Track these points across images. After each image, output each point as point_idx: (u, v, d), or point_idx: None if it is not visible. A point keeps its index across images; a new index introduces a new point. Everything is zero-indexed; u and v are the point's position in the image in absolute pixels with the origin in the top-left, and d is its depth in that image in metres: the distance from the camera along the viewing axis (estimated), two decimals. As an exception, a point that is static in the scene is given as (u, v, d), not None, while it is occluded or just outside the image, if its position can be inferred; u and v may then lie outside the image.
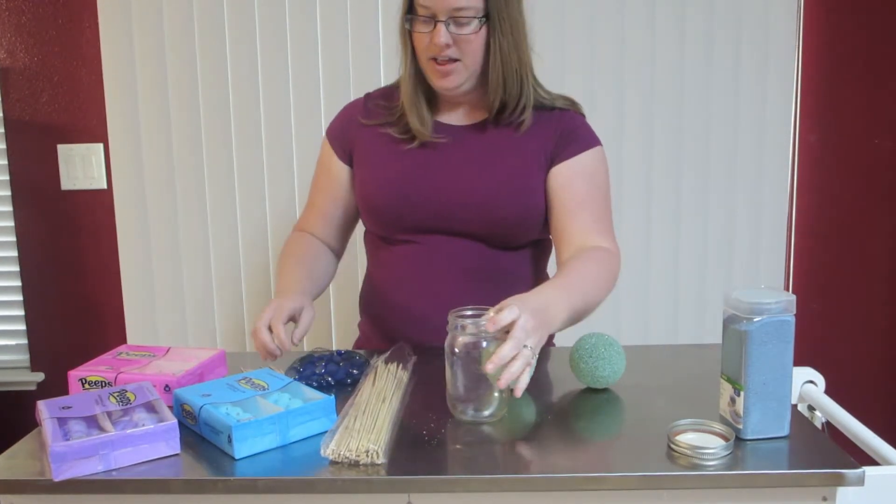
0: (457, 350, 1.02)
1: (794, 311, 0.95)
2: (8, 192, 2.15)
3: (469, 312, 1.05)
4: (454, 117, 1.39)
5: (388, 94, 1.43)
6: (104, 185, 2.13)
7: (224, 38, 2.03)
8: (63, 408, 1.01)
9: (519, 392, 1.01)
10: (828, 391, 1.24)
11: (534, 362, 1.04)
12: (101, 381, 1.13)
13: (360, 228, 1.53)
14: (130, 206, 2.10)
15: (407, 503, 0.91)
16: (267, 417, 0.97)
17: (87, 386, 1.13)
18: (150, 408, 1.01)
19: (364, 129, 1.42)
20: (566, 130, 1.36)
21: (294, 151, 2.07)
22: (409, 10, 1.30)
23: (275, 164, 2.08)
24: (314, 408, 1.01)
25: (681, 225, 2.10)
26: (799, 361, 1.05)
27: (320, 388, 1.17)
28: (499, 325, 1.00)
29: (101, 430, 0.94)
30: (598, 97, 2.04)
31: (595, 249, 1.30)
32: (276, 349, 1.19)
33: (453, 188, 1.33)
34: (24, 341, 2.22)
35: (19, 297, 2.20)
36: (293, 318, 1.24)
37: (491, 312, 1.03)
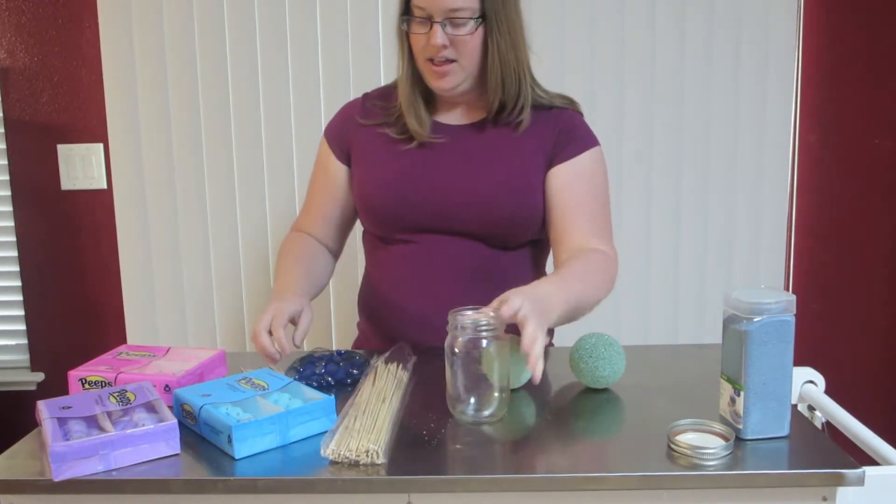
0: (457, 350, 1.02)
1: (794, 311, 0.95)
2: (8, 192, 2.15)
3: (469, 312, 1.05)
4: (452, 117, 1.39)
5: (386, 94, 1.43)
6: (104, 185, 2.13)
7: (224, 38, 2.03)
8: (63, 408, 1.01)
9: (537, 379, 1.00)
10: (828, 391, 1.24)
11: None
12: (101, 381, 1.13)
13: (358, 228, 1.53)
14: (130, 206, 2.10)
15: (407, 503, 0.91)
16: (267, 417, 0.97)
17: (87, 386, 1.13)
18: (150, 408, 1.01)
19: (362, 129, 1.42)
20: (565, 130, 1.36)
21: (294, 151, 2.07)
22: (406, 10, 1.30)
23: (275, 164, 2.08)
24: (314, 408, 1.01)
25: (681, 225, 2.10)
26: (799, 361, 1.05)
27: (320, 388, 1.17)
28: (505, 316, 1.00)
29: (101, 430, 0.94)
30: (598, 97, 2.04)
31: (592, 252, 1.30)
32: (276, 353, 1.19)
33: (451, 188, 1.33)
34: (24, 341, 2.22)
35: (19, 297, 2.20)
36: (292, 320, 1.24)
37: (491, 311, 1.03)
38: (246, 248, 2.12)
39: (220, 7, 2.02)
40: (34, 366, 2.22)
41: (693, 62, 2.03)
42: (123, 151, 2.08)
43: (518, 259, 1.39)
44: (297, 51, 2.03)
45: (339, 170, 1.45)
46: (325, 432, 0.98)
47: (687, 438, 0.95)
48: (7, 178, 2.14)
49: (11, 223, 2.16)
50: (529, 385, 1.17)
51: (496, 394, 1.03)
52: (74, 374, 1.14)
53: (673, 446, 0.94)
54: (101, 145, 2.11)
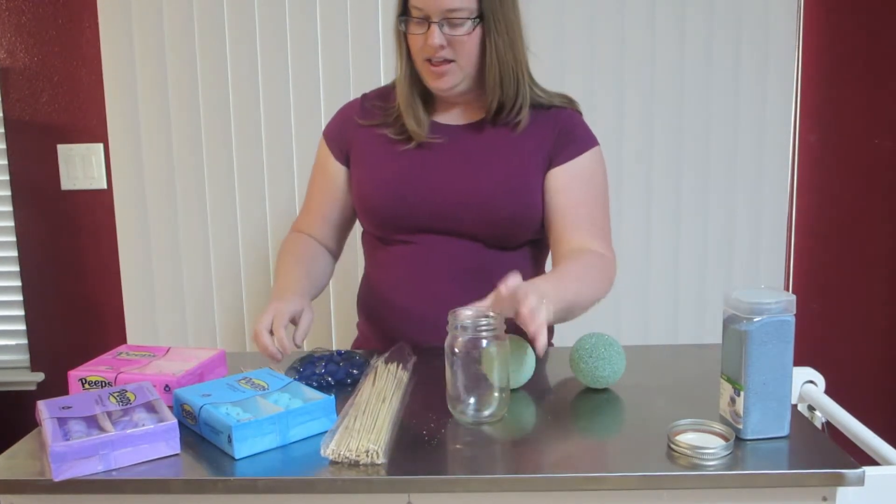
0: (457, 350, 1.02)
1: (794, 311, 0.95)
2: (8, 192, 2.15)
3: (469, 312, 1.05)
4: (451, 117, 1.39)
5: (384, 95, 1.43)
6: (104, 185, 2.13)
7: (224, 38, 2.03)
8: (63, 408, 1.01)
9: (541, 349, 1.00)
10: (828, 391, 1.24)
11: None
12: (101, 381, 1.12)
13: (358, 228, 1.53)
14: (130, 206, 2.10)
15: (407, 503, 0.91)
16: (267, 417, 0.97)
17: (87, 386, 1.13)
18: (150, 408, 1.01)
19: (361, 130, 1.42)
20: (564, 131, 1.36)
21: (294, 151, 2.07)
22: (404, 11, 1.30)
23: (275, 164, 2.08)
24: (314, 408, 1.01)
25: (681, 225, 2.10)
26: (799, 361, 1.05)
27: (320, 388, 1.17)
28: (504, 293, 1.01)
29: (101, 430, 0.94)
30: (598, 97, 2.04)
31: (590, 253, 1.30)
32: (277, 352, 1.19)
33: (450, 188, 1.33)
34: (24, 341, 2.22)
35: (19, 297, 2.20)
36: (293, 320, 1.24)
37: (490, 301, 1.04)
38: (246, 248, 2.12)
39: (220, 7, 2.02)
40: (34, 366, 2.22)
41: (693, 62, 2.03)
42: (123, 151, 2.08)
43: (517, 259, 1.39)
44: (297, 51, 2.03)
45: (338, 171, 1.45)
46: (325, 432, 0.98)
47: (687, 438, 0.95)
48: (7, 178, 2.14)
49: (11, 223, 2.16)
50: (529, 385, 1.17)
51: (496, 394, 1.03)
52: (74, 374, 1.14)
53: (673, 446, 0.94)
54: (101, 145, 2.11)
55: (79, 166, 2.12)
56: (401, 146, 1.37)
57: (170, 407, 1.07)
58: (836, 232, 2.13)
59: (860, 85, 2.07)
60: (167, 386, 1.11)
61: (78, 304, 2.19)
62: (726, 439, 0.94)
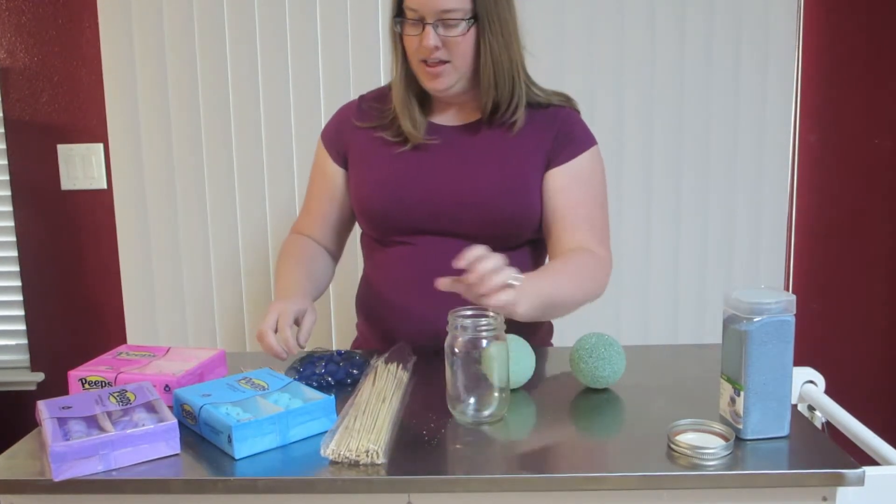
0: (457, 350, 1.02)
1: (794, 311, 0.95)
2: (8, 192, 2.15)
3: (469, 312, 1.05)
4: (448, 118, 1.39)
5: (381, 96, 1.43)
6: (104, 185, 2.13)
7: (224, 38, 2.03)
8: (63, 408, 1.01)
9: (495, 306, 1.01)
10: (828, 391, 1.24)
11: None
12: (101, 381, 1.13)
13: (357, 229, 1.53)
14: (130, 206, 2.10)
15: (407, 503, 0.91)
16: (267, 417, 0.97)
17: (87, 386, 1.13)
18: (150, 408, 1.01)
19: (358, 132, 1.42)
20: (563, 131, 1.36)
21: (294, 151, 2.07)
22: (399, 12, 1.30)
23: (275, 164, 2.08)
24: (314, 408, 1.01)
25: (681, 225, 2.10)
26: (799, 361, 1.05)
27: (320, 388, 1.17)
28: (466, 260, 1.02)
29: (101, 430, 0.94)
30: (598, 97, 2.04)
31: (582, 251, 1.30)
32: (282, 352, 1.19)
33: (447, 189, 1.33)
34: (24, 341, 2.22)
35: (19, 297, 2.20)
36: (295, 321, 1.24)
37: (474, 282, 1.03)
38: (246, 248, 2.12)
39: (220, 7, 2.02)
40: (34, 366, 2.22)
41: (693, 62, 2.03)
42: (123, 151, 2.08)
43: (516, 259, 1.38)
44: (297, 51, 2.03)
45: (336, 173, 1.45)
46: (325, 432, 0.98)
47: (687, 438, 0.95)
48: (7, 178, 2.14)
49: (11, 223, 2.16)
50: (529, 385, 1.17)
51: (496, 394, 1.03)
52: (74, 374, 1.14)
53: (673, 446, 0.94)
54: (101, 145, 2.11)
55: (79, 166, 2.12)
56: (397, 148, 1.37)
57: (170, 407, 1.07)
58: (836, 232, 2.13)
59: (860, 85, 2.07)
60: (167, 386, 1.11)
61: (78, 304, 2.19)
62: (726, 439, 0.94)
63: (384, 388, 1.12)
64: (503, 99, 1.33)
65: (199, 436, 1.02)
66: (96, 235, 2.15)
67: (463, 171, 1.34)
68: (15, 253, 2.18)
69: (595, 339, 1.15)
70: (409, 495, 0.91)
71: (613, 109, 2.04)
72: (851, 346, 2.17)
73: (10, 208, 2.16)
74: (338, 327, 2.12)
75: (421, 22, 1.26)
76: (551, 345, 1.51)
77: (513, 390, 1.13)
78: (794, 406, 1.08)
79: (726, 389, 0.99)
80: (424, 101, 1.39)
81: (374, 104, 1.43)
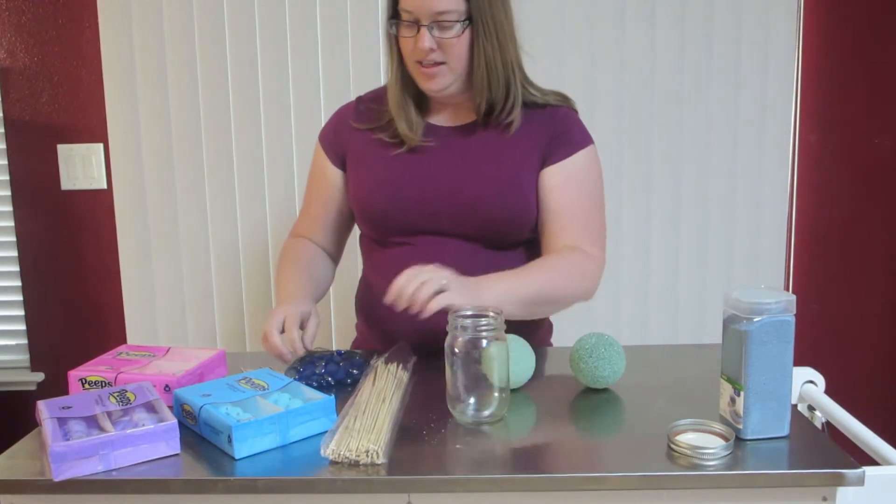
0: (457, 350, 1.02)
1: (794, 311, 0.95)
2: (8, 192, 2.15)
3: (469, 313, 1.05)
4: (445, 119, 1.39)
5: (379, 98, 1.43)
6: (104, 185, 2.13)
7: (224, 38, 2.03)
8: (63, 408, 1.01)
9: (423, 311, 1.10)
10: (828, 391, 1.24)
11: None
12: (101, 381, 1.13)
13: (357, 230, 1.53)
14: (130, 206, 2.10)
15: (407, 503, 0.91)
16: (267, 417, 0.97)
17: (87, 386, 1.13)
18: (150, 408, 1.01)
19: (356, 133, 1.42)
20: (559, 130, 1.36)
21: (294, 151, 2.07)
22: (394, 14, 1.30)
23: (275, 164, 2.08)
24: (314, 408, 1.01)
25: (681, 225, 2.09)
26: (799, 361, 1.05)
27: (320, 388, 1.17)
28: (394, 294, 1.12)
29: (101, 430, 0.94)
30: (598, 97, 2.04)
31: (571, 250, 1.31)
32: (286, 353, 1.20)
33: (444, 190, 1.33)
34: (24, 341, 2.22)
35: (19, 297, 2.20)
36: (300, 324, 1.25)
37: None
38: (246, 249, 2.12)
39: (220, 7, 2.02)
40: (34, 366, 2.22)
41: (693, 62, 2.03)
42: (123, 151, 2.08)
43: (514, 258, 1.39)
44: (297, 51, 2.03)
45: (334, 174, 1.45)
46: (325, 432, 0.98)
47: (687, 438, 0.95)
48: (7, 178, 2.14)
49: (11, 223, 2.16)
50: (529, 385, 1.17)
51: (496, 394, 1.03)
52: (74, 374, 1.14)
53: (673, 446, 0.94)
54: (101, 145, 2.11)
55: (79, 166, 2.12)
56: (395, 149, 1.37)
57: (170, 407, 1.07)
58: (836, 232, 2.13)
59: (860, 85, 2.07)
60: (167, 386, 1.11)
61: (78, 304, 2.19)
62: (726, 439, 0.94)
63: (384, 388, 1.12)
64: (498, 100, 1.33)
65: (199, 436, 1.02)
66: (96, 235, 2.15)
67: (459, 172, 1.34)
68: (15, 253, 2.18)
69: (595, 339, 1.15)
70: (409, 495, 0.91)
71: (613, 109, 2.04)
72: (851, 346, 2.17)
73: (10, 208, 2.16)
74: (338, 327, 2.12)
75: (416, 24, 1.26)
76: (551, 345, 1.51)
77: (513, 390, 1.13)
78: (794, 406, 1.08)
79: (726, 389, 0.99)
80: (422, 101, 1.39)
81: (371, 105, 1.43)
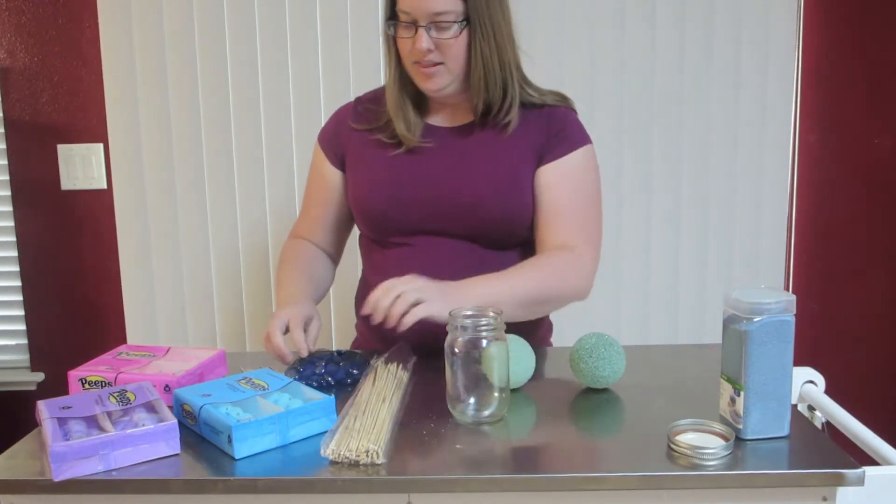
0: (457, 350, 1.02)
1: (794, 311, 0.95)
2: (8, 192, 2.15)
3: (469, 312, 1.05)
4: (443, 119, 1.39)
5: (377, 98, 1.44)
6: (104, 185, 2.13)
7: (224, 38, 2.03)
8: (63, 408, 1.01)
9: (398, 326, 1.12)
10: (828, 391, 1.24)
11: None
12: (101, 381, 1.13)
13: (356, 231, 1.53)
14: (130, 206, 2.10)
15: (407, 503, 0.91)
16: (267, 417, 0.97)
17: (87, 386, 1.13)
18: (150, 408, 1.01)
19: (355, 133, 1.42)
20: (556, 129, 1.35)
21: (294, 151, 2.07)
22: (392, 15, 1.30)
23: (275, 164, 2.08)
24: (314, 408, 1.01)
25: (681, 225, 2.10)
26: (799, 361, 1.05)
27: (320, 388, 1.17)
28: (370, 307, 1.13)
29: (101, 430, 0.94)
30: (598, 97, 2.04)
31: (561, 248, 1.31)
32: (289, 354, 1.20)
33: (441, 191, 1.33)
34: (24, 341, 2.22)
35: (19, 297, 2.20)
36: (303, 326, 1.25)
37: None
38: (246, 249, 2.12)
39: (220, 7, 2.02)
40: (34, 366, 2.22)
41: (693, 62, 2.03)
42: (123, 151, 2.08)
43: (513, 258, 1.39)
44: (297, 51, 2.03)
45: (333, 175, 1.45)
46: (325, 432, 0.98)
47: (687, 438, 0.95)
48: (7, 178, 2.14)
49: (11, 223, 2.16)
50: (529, 385, 1.17)
51: (496, 394, 1.03)
52: (74, 374, 1.14)
53: (673, 446, 0.94)
54: (101, 145, 2.11)
55: (79, 166, 2.12)
56: (393, 150, 1.37)
57: (170, 407, 1.07)
58: (836, 232, 2.13)
59: (860, 85, 2.07)
60: (167, 386, 1.11)
61: (78, 304, 2.19)
62: (726, 439, 0.94)
63: (384, 388, 1.12)
64: (495, 100, 1.33)
65: (199, 436, 1.02)
66: (96, 235, 2.15)
67: (457, 173, 1.34)
68: (15, 253, 2.18)
69: (595, 339, 1.15)
70: (409, 495, 0.91)
71: (613, 109, 2.04)
72: (851, 346, 2.17)
73: (10, 208, 2.16)
74: (338, 327, 2.12)
75: (414, 24, 1.27)
76: (551, 345, 1.51)
77: (513, 390, 1.13)
78: (794, 406, 1.08)
79: (726, 389, 0.99)
80: (420, 102, 1.39)
81: (370, 106, 1.43)
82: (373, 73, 2.03)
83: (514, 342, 1.14)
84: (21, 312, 2.20)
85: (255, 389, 1.06)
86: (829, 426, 1.17)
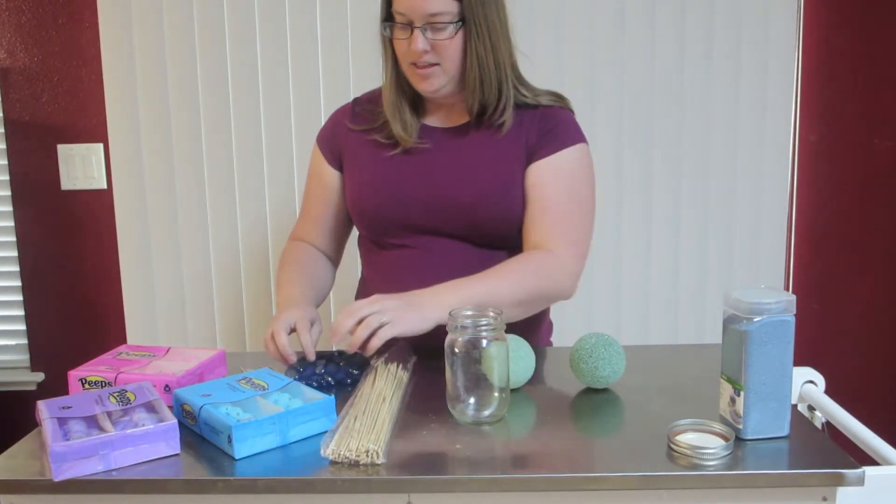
0: (457, 350, 1.02)
1: (794, 311, 0.95)
2: (8, 192, 2.15)
3: (469, 312, 1.05)
4: (438, 120, 1.40)
5: (375, 99, 1.44)
6: (104, 185, 2.13)
7: (224, 38, 2.03)
8: (63, 408, 1.01)
9: (367, 351, 1.14)
10: (828, 391, 1.24)
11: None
12: (101, 381, 1.13)
13: (356, 232, 1.53)
14: (130, 206, 2.10)
15: (407, 503, 0.91)
16: (267, 417, 0.97)
17: (87, 386, 1.13)
18: (150, 408, 1.01)
19: (352, 134, 1.42)
20: (548, 127, 1.35)
21: (294, 151, 2.07)
22: (388, 17, 1.30)
23: (275, 164, 2.08)
24: (314, 408, 1.01)
25: (681, 225, 2.10)
26: (799, 361, 1.05)
27: (320, 388, 1.17)
28: (341, 333, 1.14)
29: (101, 430, 0.94)
30: (598, 97, 2.04)
31: (538, 249, 1.30)
32: (291, 355, 1.20)
33: (438, 191, 1.33)
34: (24, 341, 2.22)
35: (19, 297, 2.20)
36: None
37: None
38: (246, 249, 2.12)
39: (220, 7, 2.02)
40: (34, 366, 2.22)
41: (693, 62, 2.03)
42: (123, 151, 2.08)
43: (498, 261, 1.38)
44: (297, 51, 2.03)
45: (332, 176, 1.45)
46: (325, 432, 0.98)
47: (687, 438, 0.95)
48: (7, 178, 2.14)
49: (11, 223, 2.16)
50: (529, 385, 1.17)
51: (496, 394, 1.03)
52: (74, 374, 1.14)
53: (673, 446, 0.94)
54: (101, 145, 2.11)
55: (79, 166, 2.12)
56: (390, 150, 1.37)
57: (170, 407, 1.07)
58: (836, 232, 2.13)
59: (860, 85, 2.07)
60: (167, 386, 1.11)
61: (78, 304, 2.19)
62: (726, 439, 0.94)
63: (384, 388, 1.12)
64: (490, 101, 1.33)
65: (199, 436, 1.02)
66: (96, 235, 2.15)
67: (453, 174, 1.34)
68: (15, 253, 2.18)
69: (595, 339, 1.15)
70: (409, 495, 0.91)
71: (613, 109, 2.04)
72: (851, 346, 2.17)
73: (10, 208, 2.16)
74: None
75: (409, 26, 1.27)
76: (551, 344, 1.51)
77: (513, 390, 1.13)
78: (794, 406, 1.08)
79: (726, 389, 0.99)
80: (417, 102, 1.39)
81: (367, 107, 1.44)
82: (373, 74, 2.02)
83: (514, 342, 1.14)
84: (21, 312, 2.20)
85: (255, 389, 1.06)
86: (829, 426, 1.17)
